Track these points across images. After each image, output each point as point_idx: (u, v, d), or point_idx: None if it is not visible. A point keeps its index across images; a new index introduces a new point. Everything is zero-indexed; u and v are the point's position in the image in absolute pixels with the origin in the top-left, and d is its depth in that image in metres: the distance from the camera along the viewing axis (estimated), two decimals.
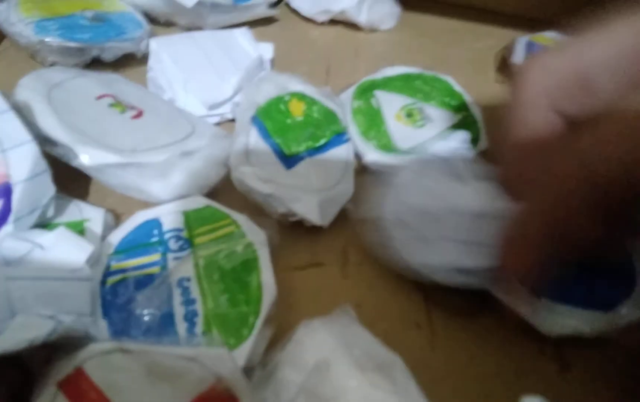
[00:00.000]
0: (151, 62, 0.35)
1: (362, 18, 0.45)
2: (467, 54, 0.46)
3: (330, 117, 0.33)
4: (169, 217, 0.26)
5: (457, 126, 0.34)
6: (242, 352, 0.21)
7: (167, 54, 0.35)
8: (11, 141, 0.24)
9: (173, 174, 0.28)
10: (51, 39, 0.34)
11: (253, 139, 0.30)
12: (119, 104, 0.30)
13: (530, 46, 0.42)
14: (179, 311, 0.22)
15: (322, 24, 0.46)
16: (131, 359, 0.18)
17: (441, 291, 0.26)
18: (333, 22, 0.46)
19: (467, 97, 0.36)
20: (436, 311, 0.26)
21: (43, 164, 0.25)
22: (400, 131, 0.34)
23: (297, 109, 0.32)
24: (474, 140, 0.33)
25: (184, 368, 0.18)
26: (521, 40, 0.43)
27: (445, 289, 0.26)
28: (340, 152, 0.31)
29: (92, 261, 0.23)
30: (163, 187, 0.27)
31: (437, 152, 0.32)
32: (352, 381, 0.19)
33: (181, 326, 0.22)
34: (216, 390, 0.18)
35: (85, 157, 0.26)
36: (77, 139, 0.26)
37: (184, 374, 0.18)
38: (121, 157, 0.26)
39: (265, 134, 0.30)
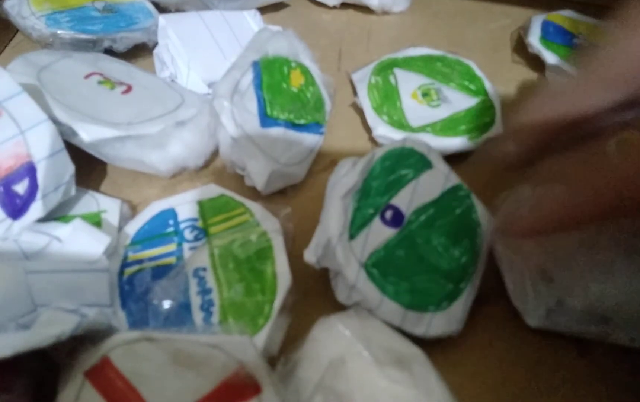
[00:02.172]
0: (159, 37, 0.36)
1: (374, 1, 0.45)
2: (482, 35, 0.45)
3: (319, 104, 0.33)
4: (184, 207, 0.26)
5: (473, 110, 0.34)
6: (259, 341, 0.21)
7: (173, 30, 0.35)
8: (28, 122, 0.24)
9: (170, 145, 0.28)
10: (63, 32, 0.34)
11: (246, 80, 0.30)
12: (107, 81, 0.30)
13: (546, 25, 0.41)
14: (195, 300, 0.23)
15: (334, 7, 0.46)
16: (156, 347, 0.19)
17: None
18: (345, 5, 0.46)
19: (488, 83, 0.36)
20: None
21: (60, 142, 0.25)
22: (415, 109, 0.34)
23: (296, 81, 0.32)
24: (489, 125, 0.33)
25: (208, 355, 0.19)
26: (537, 20, 0.42)
27: None
28: (311, 140, 0.31)
29: (109, 252, 0.24)
30: (162, 158, 0.28)
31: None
32: (368, 376, 0.19)
33: (198, 316, 0.22)
34: (239, 376, 0.18)
35: (84, 134, 0.26)
36: (74, 116, 0.26)
37: (207, 361, 0.18)
38: (118, 131, 0.27)
39: (258, 83, 0.30)
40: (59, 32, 0.34)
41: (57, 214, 0.25)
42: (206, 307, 0.22)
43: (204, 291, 0.23)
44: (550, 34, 0.41)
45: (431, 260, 0.24)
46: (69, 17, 0.35)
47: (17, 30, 0.38)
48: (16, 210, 0.23)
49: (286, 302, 0.23)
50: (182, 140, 0.29)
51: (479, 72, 0.37)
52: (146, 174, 0.30)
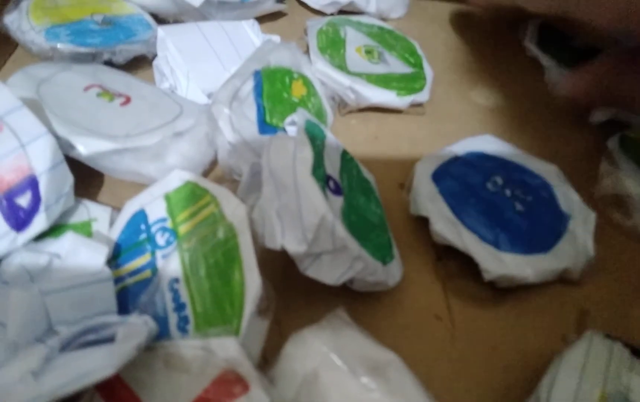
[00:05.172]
0: (157, 49, 0.36)
1: (371, 7, 0.45)
2: (479, 39, 0.45)
3: (320, 115, 0.33)
4: (153, 205, 0.25)
5: (407, 76, 0.37)
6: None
7: (172, 41, 0.35)
8: (29, 135, 0.25)
9: (167, 156, 0.29)
10: (63, 45, 0.35)
11: (246, 88, 0.30)
12: (106, 93, 0.31)
13: (543, 28, 0.42)
14: (172, 318, 0.22)
15: (331, 15, 0.46)
16: (151, 354, 0.19)
17: (459, 279, 0.26)
18: (342, 13, 0.46)
19: (426, 64, 0.39)
20: (455, 301, 0.26)
21: (60, 154, 0.25)
22: (355, 60, 0.37)
23: (298, 91, 0.33)
24: (417, 90, 0.36)
25: (197, 357, 0.19)
26: (534, 23, 0.42)
27: (464, 276, 0.26)
28: None
29: (108, 259, 0.24)
30: (159, 169, 0.28)
31: None
32: (343, 386, 0.19)
33: (176, 336, 0.22)
34: (227, 376, 0.19)
35: (82, 148, 0.27)
36: (72, 130, 0.27)
37: (197, 363, 0.19)
38: (116, 144, 0.27)
39: (258, 92, 0.31)
40: (58, 45, 0.34)
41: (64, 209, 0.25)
42: (182, 326, 0.22)
43: (179, 307, 0.22)
44: (547, 37, 0.41)
45: (369, 218, 0.25)
46: (68, 31, 0.36)
47: (17, 45, 0.39)
48: (20, 222, 0.24)
49: (261, 307, 0.22)
50: (180, 151, 0.29)
51: (420, 52, 0.40)
52: (146, 186, 0.29)
